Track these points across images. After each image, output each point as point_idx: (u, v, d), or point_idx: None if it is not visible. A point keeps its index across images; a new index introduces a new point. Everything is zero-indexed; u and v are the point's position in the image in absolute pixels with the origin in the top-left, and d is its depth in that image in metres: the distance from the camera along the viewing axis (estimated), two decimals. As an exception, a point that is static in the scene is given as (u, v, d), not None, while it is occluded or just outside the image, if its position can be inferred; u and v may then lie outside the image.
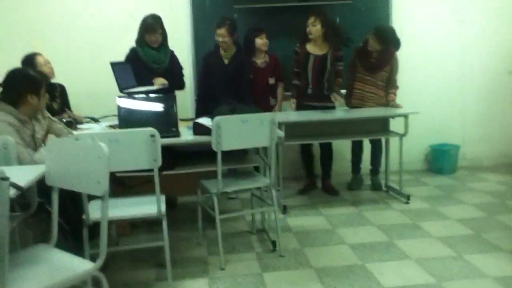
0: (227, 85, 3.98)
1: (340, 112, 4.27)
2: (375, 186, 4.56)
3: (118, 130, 2.77)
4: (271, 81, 4.46)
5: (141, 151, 2.56)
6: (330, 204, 4.15)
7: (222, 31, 3.91)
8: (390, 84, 4.35)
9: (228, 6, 4.59)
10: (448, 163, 5.06)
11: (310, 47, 4.21)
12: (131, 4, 4.52)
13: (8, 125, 2.52)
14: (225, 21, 3.92)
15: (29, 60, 3.60)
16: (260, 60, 4.38)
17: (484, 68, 5.17)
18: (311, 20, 4.11)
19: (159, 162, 2.58)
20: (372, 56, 4.26)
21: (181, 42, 4.60)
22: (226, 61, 4.05)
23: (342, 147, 4.69)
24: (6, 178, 1.57)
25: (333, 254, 3.13)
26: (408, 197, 4.13)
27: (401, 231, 3.49)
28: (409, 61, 4.77)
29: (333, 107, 4.31)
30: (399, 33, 4.30)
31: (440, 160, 5.09)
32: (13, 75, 2.67)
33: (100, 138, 2.37)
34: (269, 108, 4.33)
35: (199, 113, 4.01)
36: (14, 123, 2.56)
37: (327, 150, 4.44)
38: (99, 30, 4.60)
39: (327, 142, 4.36)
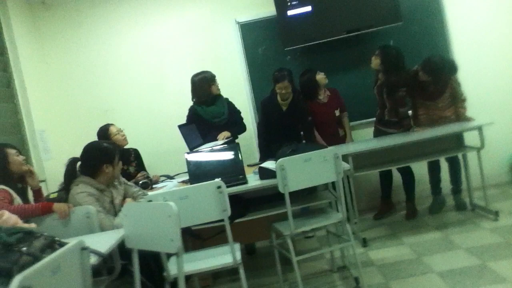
0: (287, 130, 4.05)
1: (409, 135, 4.06)
2: (459, 206, 4.30)
3: (186, 186, 2.90)
4: (337, 113, 4.48)
5: (210, 203, 2.63)
6: (412, 231, 3.96)
7: (285, 83, 3.99)
8: (456, 99, 4.17)
9: (279, 49, 4.71)
10: (538, 170, 4.69)
11: (380, 75, 4.25)
12: (192, 69, 4.38)
13: (88, 196, 2.73)
14: (284, 73, 4.00)
15: (103, 132, 3.91)
16: (322, 96, 4.42)
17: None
18: (375, 53, 4.23)
19: (229, 212, 2.63)
20: (427, 85, 4.13)
21: (239, 88, 4.80)
22: (284, 108, 4.13)
23: (419, 170, 4.46)
24: (85, 248, 1.71)
25: (421, 285, 2.96)
26: (497, 213, 3.85)
27: (494, 251, 3.24)
28: (475, 70, 4.61)
29: (397, 132, 4.21)
30: (458, 45, 4.13)
31: (529, 168, 4.74)
32: (88, 149, 2.92)
33: (171, 197, 2.51)
34: (340, 140, 4.38)
35: (264, 157, 4.08)
36: (94, 192, 2.77)
37: (407, 174, 4.33)
38: (165, 94, 4.89)
39: (405, 166, 4.22)
